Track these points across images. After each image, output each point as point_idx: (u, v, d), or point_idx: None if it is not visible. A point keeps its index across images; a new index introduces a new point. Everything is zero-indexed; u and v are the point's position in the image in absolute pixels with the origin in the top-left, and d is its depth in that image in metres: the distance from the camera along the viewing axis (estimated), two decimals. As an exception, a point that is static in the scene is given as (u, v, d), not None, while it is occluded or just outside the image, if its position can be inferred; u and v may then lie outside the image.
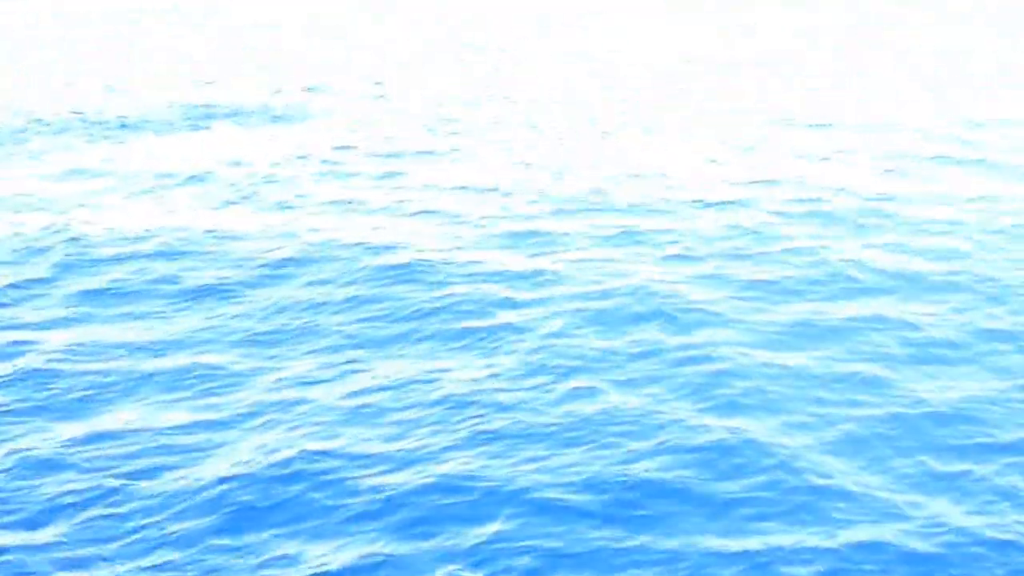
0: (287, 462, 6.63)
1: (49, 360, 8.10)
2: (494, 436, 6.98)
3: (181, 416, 7.33)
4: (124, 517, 6.16)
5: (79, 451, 6.87)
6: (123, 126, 16.46)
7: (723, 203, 13.21)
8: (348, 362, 8.24)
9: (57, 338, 8.63)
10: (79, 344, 8.52)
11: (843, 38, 31.04)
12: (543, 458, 6.59)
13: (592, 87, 23.01)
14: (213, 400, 7.56)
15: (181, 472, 6.62)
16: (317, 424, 7.17)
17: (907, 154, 16.02)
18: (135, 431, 7.10)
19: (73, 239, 11.45)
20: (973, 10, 38.44)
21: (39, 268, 10.59)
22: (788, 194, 13.61)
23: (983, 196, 13.40)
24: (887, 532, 5.89)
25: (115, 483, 6.46)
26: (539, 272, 10.36)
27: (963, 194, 13.53)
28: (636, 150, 16.48)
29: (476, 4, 42.25)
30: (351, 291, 9.83)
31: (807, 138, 17.41)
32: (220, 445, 6.95)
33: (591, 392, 7.60)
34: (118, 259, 10.86)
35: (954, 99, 20.85)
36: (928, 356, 8.38)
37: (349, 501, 6.26)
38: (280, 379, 7.94)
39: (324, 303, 9.54)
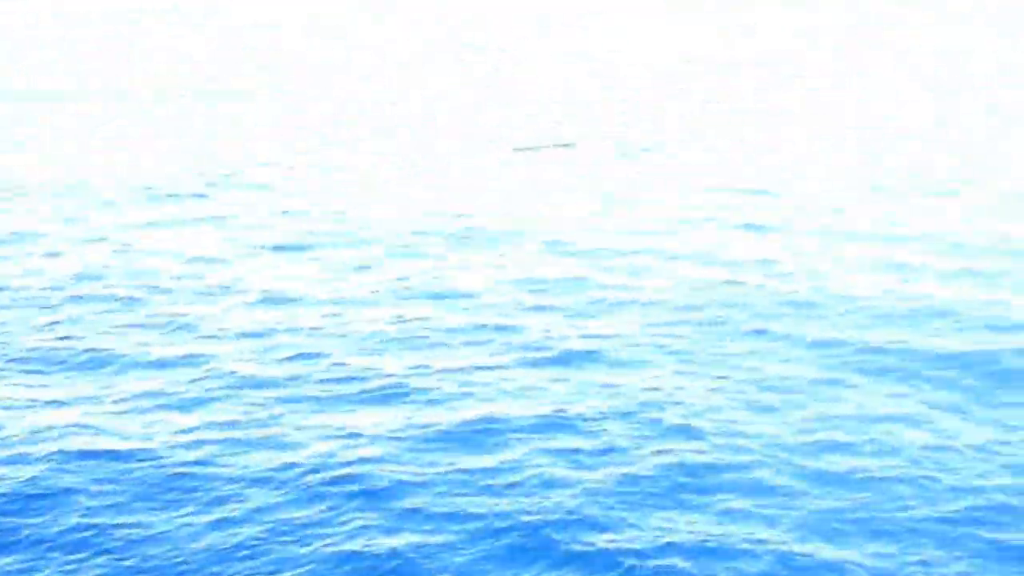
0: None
1: None
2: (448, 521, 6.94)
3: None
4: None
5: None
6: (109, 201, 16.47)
7: (723, 208, 13.20)
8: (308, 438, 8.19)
9: None
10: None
11: (843, 38, 31.03)
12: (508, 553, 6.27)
13: (592, 87, 23.01)
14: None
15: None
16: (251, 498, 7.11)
17: (907, 154, 16.02)
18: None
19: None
20: (973, 10, 38.41)
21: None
22: (789, 200, 13.59)
23: (985, 197, 13.39)
24: None
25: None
26: (523, 297, 10.34)
27: (964, 194, 13.52)
28: (636, 150, 16.47)
29: (476, 4, 42.20)
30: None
31: (807, 139, 17.41)
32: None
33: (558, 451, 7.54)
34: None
35: (954, 99, 20.85)
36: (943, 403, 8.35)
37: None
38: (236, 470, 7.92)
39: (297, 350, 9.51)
